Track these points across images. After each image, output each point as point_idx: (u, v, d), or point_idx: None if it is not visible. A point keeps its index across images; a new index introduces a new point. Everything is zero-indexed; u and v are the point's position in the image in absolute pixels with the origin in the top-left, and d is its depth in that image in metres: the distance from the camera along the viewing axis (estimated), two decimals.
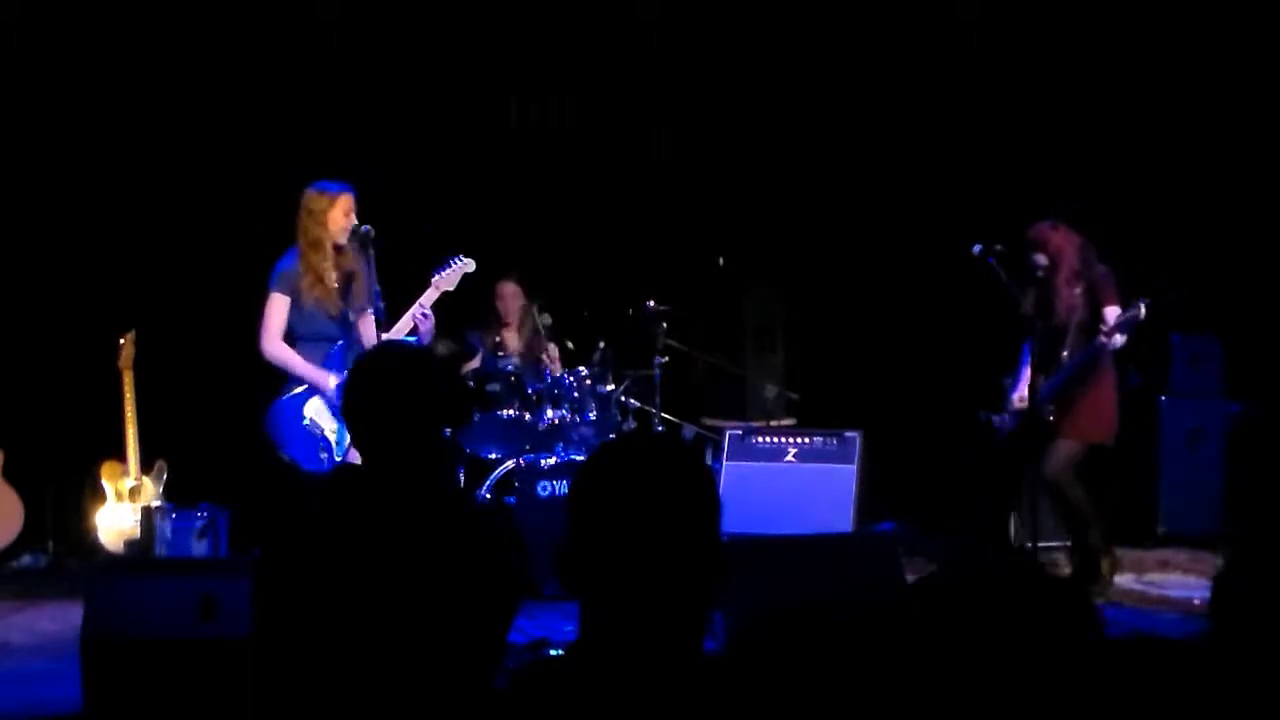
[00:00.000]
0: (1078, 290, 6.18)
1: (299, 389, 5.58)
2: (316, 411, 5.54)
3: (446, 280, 5.88)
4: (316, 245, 5.58)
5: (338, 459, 5.49)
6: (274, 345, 5.58)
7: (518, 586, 2.61)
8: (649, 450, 1.90)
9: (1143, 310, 5.92)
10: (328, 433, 5.51)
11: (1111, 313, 6.05)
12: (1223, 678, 2.31)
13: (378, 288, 5.62)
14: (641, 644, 1.78)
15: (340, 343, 5.61)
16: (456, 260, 5.92)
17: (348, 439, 5.45)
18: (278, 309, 5.60)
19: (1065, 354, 6.17)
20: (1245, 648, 2.34)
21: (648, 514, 1.80)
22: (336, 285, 5.57)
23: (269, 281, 5.62)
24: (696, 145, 8.38)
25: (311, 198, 5.62)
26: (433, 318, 5.80)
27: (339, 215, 5.60)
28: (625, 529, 1.80)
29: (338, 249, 5.63)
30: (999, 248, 6.00)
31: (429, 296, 5.80)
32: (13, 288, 7.35)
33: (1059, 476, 6.11)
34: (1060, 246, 6.20)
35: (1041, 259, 6.18)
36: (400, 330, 5.74)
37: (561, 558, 1.83)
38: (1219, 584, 2.49)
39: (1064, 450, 6.12)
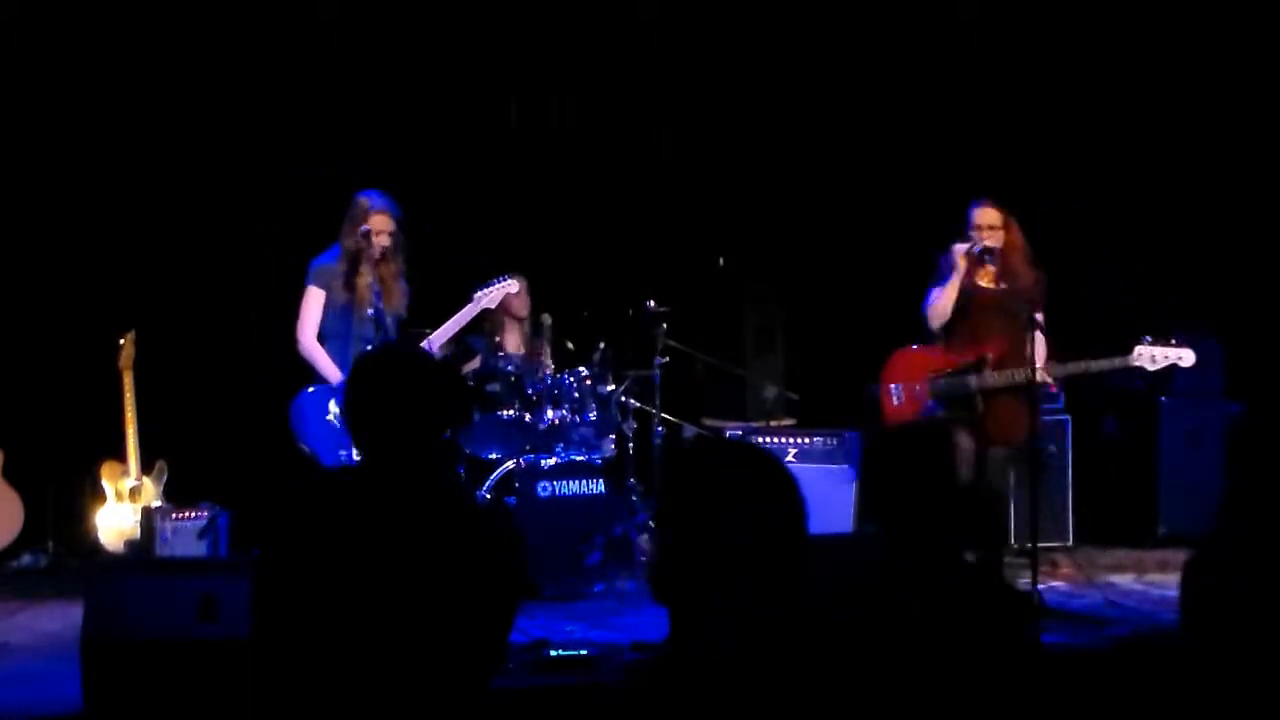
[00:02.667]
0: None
1: (327, 383, 5.67)
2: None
3: (489, 298, 6.06)
4: (351, 247, 5.70)
5: (356, 457, 5.52)
6: (306, 340, 5.76)
7: (518, 587, 2.61)
8: (740, 460, 1.91)
9: (1185, 357, 5.62)
10: None
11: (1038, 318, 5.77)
12: (1197, 669, 2.32)
13: (379, 288, 5.68)
14: (732, 649, 1.79)
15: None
16: (502, 279, 6.06)
17: None
18: (311, 303, 5.78)
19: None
20: (1216, 639, 2.34)
21: (749, 523, 1.82)
22: (374, 287, 5.66)
23: (305, 276, 5.78)
24: (696, 145, 8.38)
25: (355, 203, 5.79)
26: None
27: (373, 226, 5.71)
28: (725, 539, 1.82)
29: (372, 259, 5.71)
30: (997, 248, 5.97)
31: (469, 311, 5.96)
32: (13, 288, 7.36)
33: (997, 483, 6.00)
34: (1013, 226, 5.95)
35: (1000, 234, 5.89)
36: (442, 336, 5.85)
37: (655, 570, 1.85)
38: (1188, 576, 2.49)
39: (1001, 456, 5.90)
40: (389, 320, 5.68)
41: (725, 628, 1.81)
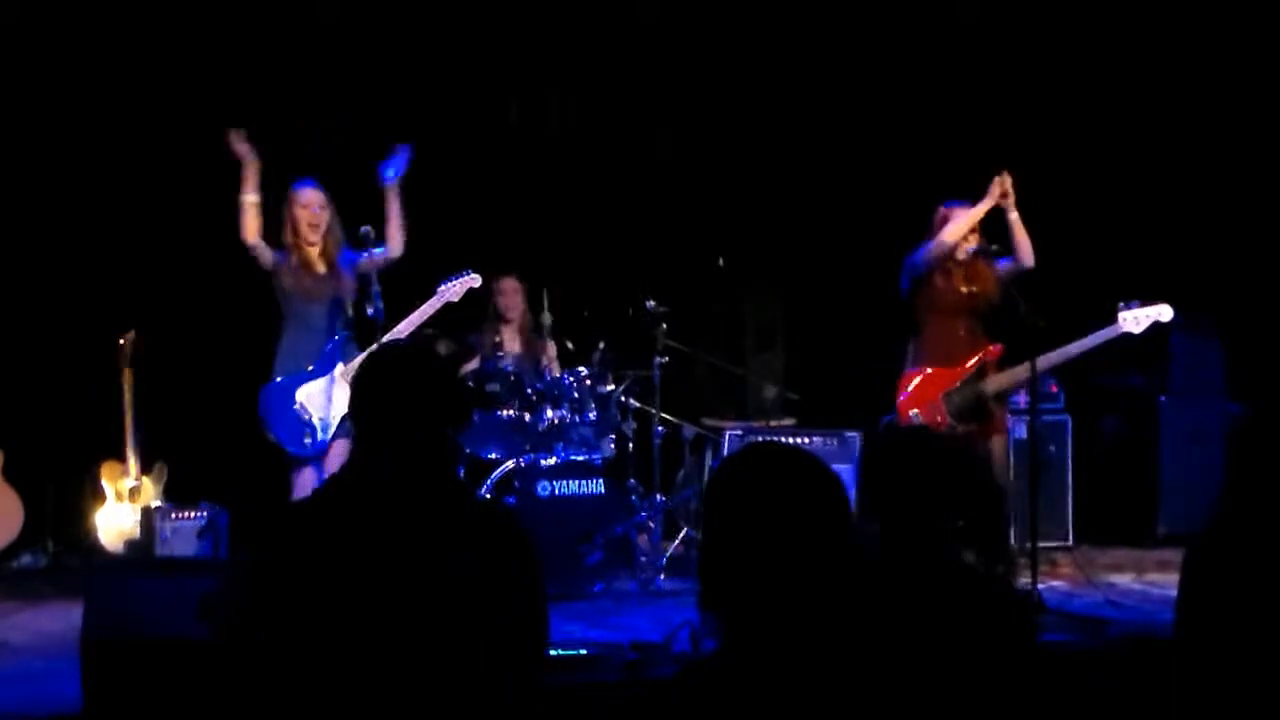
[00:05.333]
0: None
1: (293, 373, 5.72)
2: (308, 397, 5.71)
3: (452, 292, 6.08)
4: (291, 240, 5.85)
5: (321, 445, 5.65)
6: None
7: (540, 587, 2.61)
8: (784, 462, 1.92)
9: (1163, 312, 5.79)
10: (315, 418, 5.67)
11: None
12: (1193, 667, 2.31)
13: (377, 288, 5.69)
14: (786, 653, 1.80)
15: (337, 337, 5.77)
16: (464, 274, 6.08)
17: (332, 426, 5.72)
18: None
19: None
20: (1213, 636, 2.34)
21: (792, 525, 1.82)
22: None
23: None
24: (696, 145, 8.38)
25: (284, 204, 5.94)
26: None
27: (297, 209, 5.86)
28: (771, 541, 1.82)
29: (312, 243, 5.83)
30: (994, 248, 5.98)
31: (432, 305, 5.97)
32: (13, 288, 7.35)
33: (1002, 473, 6.04)
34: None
35: (976, 235, 5.99)
36: (405, 329, 5.87)
37: (704, 573, 1.86)
38: (1186, 573, 2.49)
39: (1002, 445, 6.04)
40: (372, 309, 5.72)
41: (771, 631, 1.82)
